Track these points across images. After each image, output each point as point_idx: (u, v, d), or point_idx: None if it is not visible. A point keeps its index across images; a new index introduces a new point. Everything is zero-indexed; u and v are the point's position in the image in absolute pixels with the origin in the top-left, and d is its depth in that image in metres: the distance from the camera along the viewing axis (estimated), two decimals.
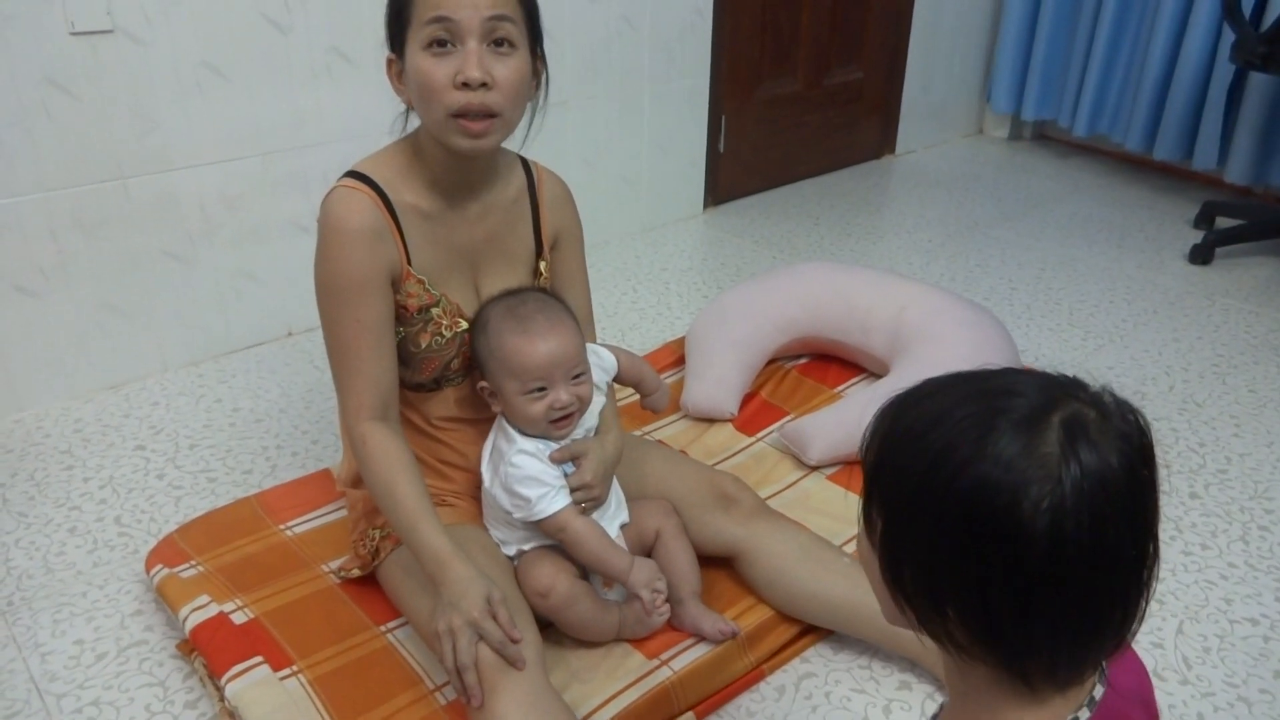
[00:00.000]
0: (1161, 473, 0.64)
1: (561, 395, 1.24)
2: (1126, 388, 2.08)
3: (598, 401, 1.34)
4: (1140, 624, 0.65)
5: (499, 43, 1.14)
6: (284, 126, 2.06)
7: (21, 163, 1.78)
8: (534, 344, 1.23)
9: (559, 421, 1.26)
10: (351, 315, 1.20)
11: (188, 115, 1.93)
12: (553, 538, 1.28)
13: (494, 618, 1.12)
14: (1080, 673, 0.66)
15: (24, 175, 1.79)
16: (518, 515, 1.25)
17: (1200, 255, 2.72)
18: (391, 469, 1.19)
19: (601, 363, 1.37)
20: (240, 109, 1.99)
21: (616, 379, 1.41)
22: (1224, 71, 2.92)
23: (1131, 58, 3.20)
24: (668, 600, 1.30)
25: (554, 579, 1.27)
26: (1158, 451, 0.63)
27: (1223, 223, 2.89)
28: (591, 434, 1.33)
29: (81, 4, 1.75)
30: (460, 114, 1.14)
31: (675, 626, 1.35)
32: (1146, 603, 0.64)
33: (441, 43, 1.12)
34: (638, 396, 1.47)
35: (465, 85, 1.12)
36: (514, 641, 1.12)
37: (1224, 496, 1.76)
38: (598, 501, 1.30)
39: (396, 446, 1.21)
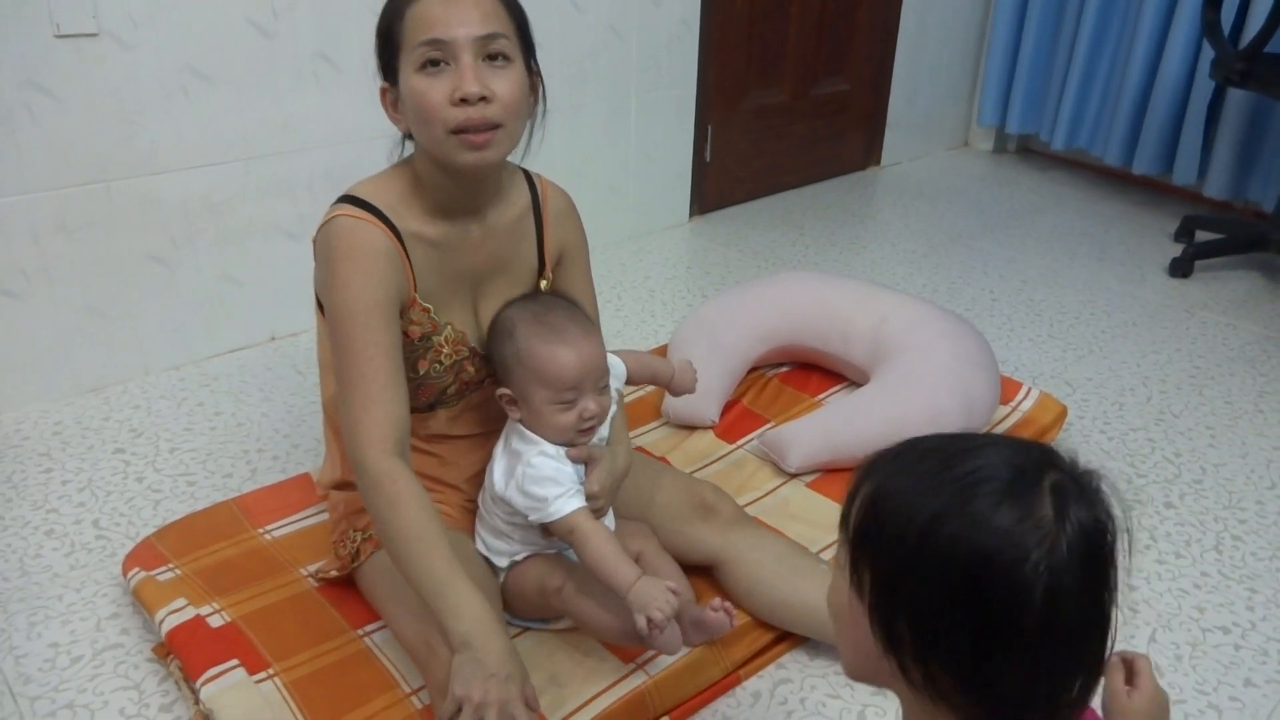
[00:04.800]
0: (1137, 485, 0.70)
1: (590, 405, 1.23)
2: (1105, 399, 2.11)
3: (611, 410, 1.33)
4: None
5: (493, 57, 1.13)
6: (269, 131, 2.07)
7: (4, 164, 1.77)
8: (569, 353, 1.21)
9: (584, 432, 1.25)
10: (369, 340, 1.15)
11: (172, 119, 1.93)
12: (563, 539, 1.25)
13: (528, 699, 1.06)
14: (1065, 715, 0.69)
15: (6, 177, 1.78)
16: (533, 517, 1.22)
17: (1180, 268, 2.75)
18: (426, 516, 1.11)
19: (614, 370, 1.35)
20: (225, 113, 2.00)
21: (629, 381, 1.40)
22: (1203, 87, 2.95)
23: (1111, 73, 3.23)
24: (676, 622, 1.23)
25: (566, 576, 1.26)
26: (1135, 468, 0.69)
27: (1202, 236, 2.92)
28: (604, 442, 1.32)
29: (67, 7, 1.75)
30: (461, 129, 1.12)
31: (672, 651, 1.30)
32: (1111, 648, 0.69)
33: (435, 62, 1.11)
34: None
35: (464, 101, 1.10)
36: None
37: (1198, 506, 1.77)
38: (600, 514, 1.29)
39: (421, 491, 1.13)
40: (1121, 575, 0.68)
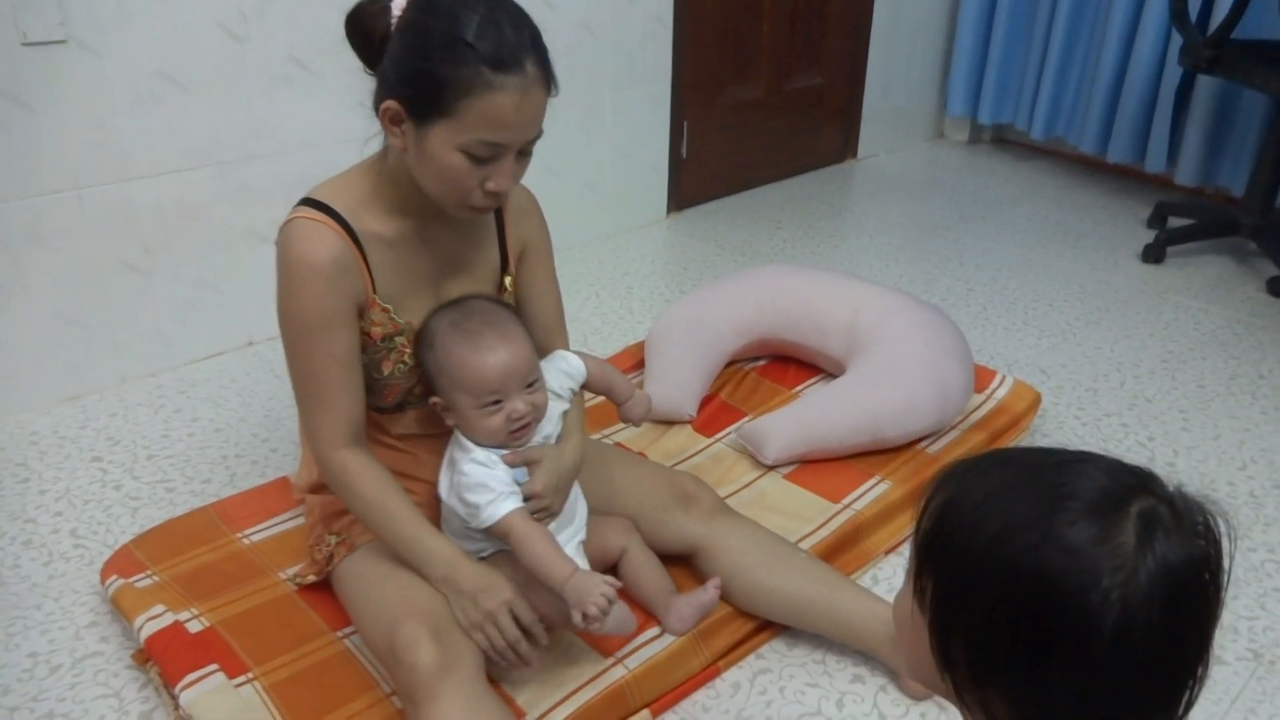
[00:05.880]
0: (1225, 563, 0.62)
1: (518, 406, 1.23)
2: (1080, 385, 2.13)
3: (557, 407, 1.33)
4: None
5: (525, 151, 1.17)
6: (243, 136, 2.06)
7: None
8: (485, 358, 1.22)
9: (517, 432, 1.25)
10: (322, 350, 1.19)
11: (144, 125, 1.93)
12: (503, 542, 1.28)
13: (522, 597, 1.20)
14: None
15: None
16: (472, 523, 1.25)
17: (1152, 254, 2.77)
18: (380, 489, 1.23)
19: (569, 369, 1.36)
20: (198, 119, 1.99)
21: (586, 386, 1.39)
22: (1173, 75, 2.98)
23: (1085, 62, 3.26)
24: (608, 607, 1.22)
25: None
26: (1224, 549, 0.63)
27: (1175, 222, 2.95)
28: (552, 440, 1.33)
29: (34, 14, 1.74)
30: (477, 205, 1.17)
31: (679, 631, 1.35)
32: (1192, 704, 0.63)
33: (483, 158, 1.12)
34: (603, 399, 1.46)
35: (493, 194, 1.15)
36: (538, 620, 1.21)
37: None
38: (550, 512, 1.28)
39: (376, 467, 1.24)
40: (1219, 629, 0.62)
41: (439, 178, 1.14)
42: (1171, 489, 0.63)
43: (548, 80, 1.13)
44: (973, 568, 0.62)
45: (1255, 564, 1.62)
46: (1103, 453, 0.66)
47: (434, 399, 1.27)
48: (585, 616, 1.16)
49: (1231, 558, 0.62)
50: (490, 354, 1.22)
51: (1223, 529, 0.63)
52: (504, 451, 1.26)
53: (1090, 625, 0.58)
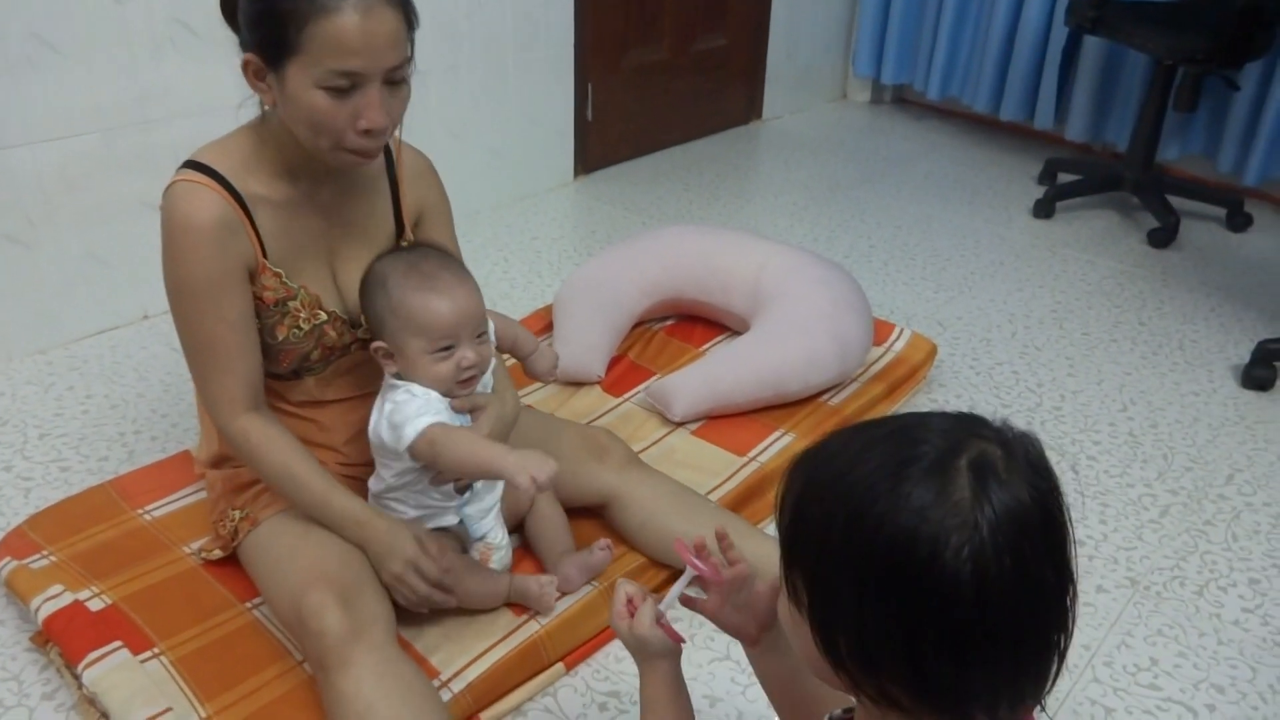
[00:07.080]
0: (1054, 462, 0.64)
1: (469, 354, 1.22)
2: (974, 336, 2.21)
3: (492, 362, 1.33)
4: (1065, 656, 0.64)
5: (394, 81, 1.13)
6: (127, 101, 1.98)
7: None
8: (442, 301, 1.20)
9: (465, 382, 1.24)
10: (212, 315, 1.18)
11: (18, 90, 1.83)
12: (429, 464, 1.23)
13: (426, 552, 1.22)
14: (1023, 706, 0.65)
15: None
16: (397, 445, 1.21)
17: (1043, 209, 2.88)
18: (283, 454, 1.22)
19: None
20: (77, 83, 1.90)
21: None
22: (1060, 34, 3.09)
23: (978, 23, 3.35)
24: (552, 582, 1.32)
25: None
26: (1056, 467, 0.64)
27: (1064, 178, 3.07)
28: (488, 390, 1.32)
29: None
30: (355, 148, 1.14)
31: (566, 592, 1.37)
32: (1072, 628, 0.64)
33: (343, 89, 1.09)
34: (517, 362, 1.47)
35: (368, 132, 1.11)
36: (445, 571, 1.24)
37: (1058, 431, 1.89)
38: None
39: (279, 432, 1.24)
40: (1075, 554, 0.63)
41: (307, 122, 1.11)
42: (999, 424, 0.64)
43: (399, 2, 1.10)
44: (834, 555, 0.63)
45: (1133, 498, 1.72)
46: (949, 407, 0.69)
47: (377, 344, 1.25)
48: (533, 479, 1.12)
49: (1078, 497, 0.63)
50: (448, 296, 1.21)
51: (1050, 459, 0.64)
52: (452, 400, 1.25)
53: (949, 586, 0.59)
